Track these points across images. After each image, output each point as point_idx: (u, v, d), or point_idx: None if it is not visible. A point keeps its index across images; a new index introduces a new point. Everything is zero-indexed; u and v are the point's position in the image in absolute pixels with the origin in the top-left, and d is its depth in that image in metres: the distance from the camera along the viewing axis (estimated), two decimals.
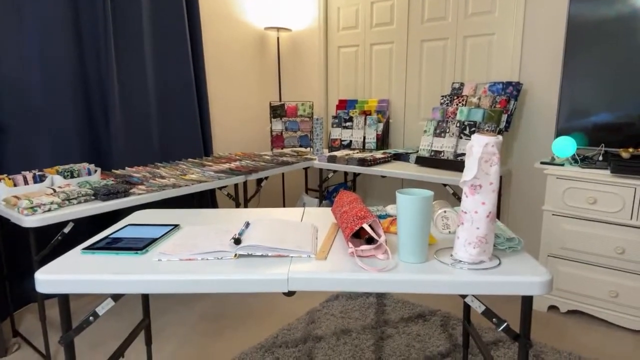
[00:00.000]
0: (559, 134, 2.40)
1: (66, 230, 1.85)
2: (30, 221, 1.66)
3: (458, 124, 2.61)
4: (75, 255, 1.13)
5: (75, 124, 2.48)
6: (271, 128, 3.49)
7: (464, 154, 2.55)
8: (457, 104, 2.77)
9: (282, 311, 2.34)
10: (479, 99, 2.68)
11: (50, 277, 1.01)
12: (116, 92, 2.61)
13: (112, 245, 1.19)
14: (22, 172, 2.00)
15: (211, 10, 3.29)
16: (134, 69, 2.73)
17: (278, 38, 3.78)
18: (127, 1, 2.65)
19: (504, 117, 2.55)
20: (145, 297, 1.63)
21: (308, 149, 3.48)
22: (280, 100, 3.91)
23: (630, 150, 2.06)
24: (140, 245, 1.17)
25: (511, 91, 2.60)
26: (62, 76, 2.41)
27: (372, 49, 3.39)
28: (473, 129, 2.54)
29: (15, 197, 1.79)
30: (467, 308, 1.61)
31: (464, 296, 1.05)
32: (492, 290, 0.98)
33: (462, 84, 2.84)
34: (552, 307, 2.35)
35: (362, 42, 3.43)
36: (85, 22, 2.48)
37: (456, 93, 2.84)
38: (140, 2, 2.71)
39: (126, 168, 2.62)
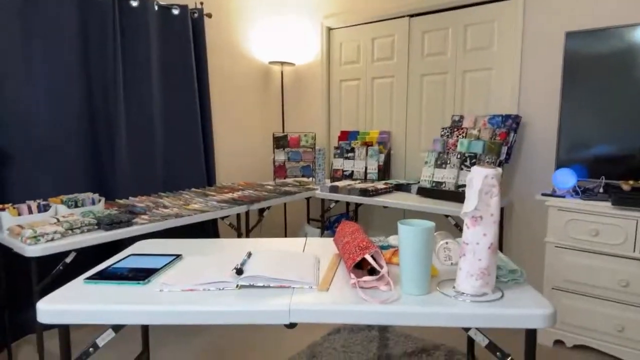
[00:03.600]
0: (559, 166, 2.43)
1: (68, 260, 1.85)
2: (32, 250, 1.67)
3: (459, 156, 2.64)
4: (77, 285, 1.13)
5: (81, 154, 2.52)
6: (274, 158, 3.53)
7: (465, 185, 2.56)
8: (457, 136, 2.81)
9: (283, 344, 2.30)
10: (479, 131, 2.72)
11: (52, 307, 1.01)
12: (122, 122, 2.66)
13: (115, 275, 1.19)
14: (27, 202, 2.02)
15: (217, 45, 3.40)
16: (140, 100, 2.80)
17: (282, 72, 3.88)
18: (135, 35, 2.74)
19: (504, 149, 2.58)
20: (145, 329, 1.61)
21: (310, 179, 3.50)
22: (283, 131, 3.98)
23: (631, 182, 2.07)
24: (142, 276, 1.18)
25: (510, 124, 2.64)
26: (68, 107, 2.46)
27: (374, 82, 3.47)
28: (474, 160, 2.57)
29: (19, 226, 1.80)
30: (471, 342, 1.59)
31: (467, 329, 1.04)
32: (495, 323, 0.97)
33: (462, 117, 2.89)
34: (558, 342, 2.30)
35: (364, 75, 3.51)
36: (93, 54, 2.56)
37: (456, 125, 2.89)
38: (148, 37, 2.80)
39: (130, 198, 2.64)
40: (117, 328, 1.07)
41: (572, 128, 2.39)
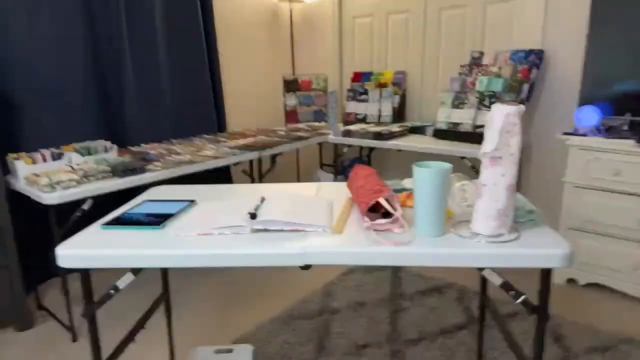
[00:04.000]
0: (582, 103, 2.32)
1: (85, 207, 1.89)
2: (50, 198, 1.70)
3: (477, 95, 2.53)
4: (95, 231, 1.15)
5: (90, 101, 2.49)
6: (285, 103, 3.45)
7: (482, 126, 2.48)
8: (476, 74, 2.68)
9: (299, 285, 2.37)
10: (500, 68, 2.59)
11: (71, 252, 1.03)
12: (129, 68, 2.60)
13: (131, 220, 1.20)
14: (40, 150, 2.03)
15: None
16: (146, 45, 2.71)
17: (291, 10, 3.70)
18: None
19: (526, 86, 2.47)
20: (164, 271, 1.66)
21: (322, 123, 3.44)
22: (293, 73, 3.86)
23: None
24: (158, 221, 1.19)
25: (533, 59, 2.50)
26: (76, 54, 2.40)
27: (388, 18, 3.28)
28: (493, 99, 2.47)
29: (35, 174, 1.82)
30: (483, 281, 1.60)
31: (481, 269, 1.04)
32: (512, 263, 0.96)
33: (481, 53, 2.74)
34: (571, 280, 2.33)
35: (378, 11, 3.32)
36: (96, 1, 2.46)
37: (475, 62, 2.75)
38: None
39: (142, 145, 2.63)
40: (136, 271, 1.09)
41: (598, 63, 2.25)
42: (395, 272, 2.47)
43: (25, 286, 2.10)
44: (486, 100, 2.49)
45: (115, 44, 2.54)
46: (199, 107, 3.07)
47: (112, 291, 1.08)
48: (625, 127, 2.18)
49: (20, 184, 1.87)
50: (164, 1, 2.80)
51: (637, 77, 2.16)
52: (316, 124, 3.44)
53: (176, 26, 2.88)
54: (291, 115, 3.47)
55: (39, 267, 2.38)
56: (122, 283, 1.08)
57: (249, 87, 3.58)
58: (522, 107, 0.97)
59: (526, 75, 2.48)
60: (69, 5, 2.34)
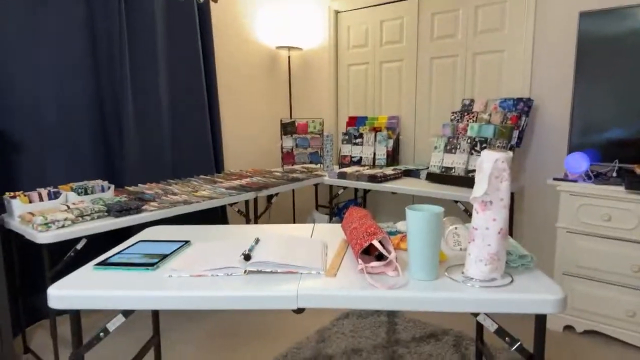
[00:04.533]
0: (571, 150, 2.38)
1: (79, 246, 1.87)
2: (44, 237, 1.69)
3: (469, 140, 2.60)
4: (87, 271, 1.15)
5: (90, 142, 2.53)
6: (282, 145, 3.52)
7: (474, 170, 2.53)
8: (467, 120, 2.76)
9: (292, 329, 2.32)
10: (490, 115, 2.68)
11: (63, 293, 1.02)
12: (130, 109, 2.66)
13: (124, 261, 1.20)
14: (37, 189, 2.04)
15: (224, 30, 3.37)
16: (147, 87, 2.79)
17: (289, 57, 3.84)
18: (141, 21, 2.73)
19: (515, 133, 2.54)
20: (156, 313, 1.63)
21: (318, 165, 3.49)
22: (290, 117, 3.95)
23: None
24: (151, 262, 1.18)
25: (522, 107, 2.59)
26: (76, 94, 2.47)
27: (382, 66, 3.42)
28: (484, 145, 2.53)
29: (30, 213, 1.82)
30: (479, 327, 1.58)
31: (476, 314, 1.03)
32: (504, 308, 0.96)
33: (472, 101, 2.84)
34: (568, 327, 2.29)
35: (372, 59, 3.46)
36: (100, 41, 2.55)
37: (466, 109, 2.84)
38: (154, 22, 2.78)
39: (139, 185, 2.65)
40: (127, 313, 1.08)
41: (585, 111, 2.33)
42: (391, 317, 2.43)
43: (12, 328, 2.04)
44: (478, 145, 2.56)
45: (117, 86, 2.62)
46: (197, 149, 3.12)
47: (101, 334, 1.06)
48: (614, 174, 2.23)
49: (15, 223, 1.87)
50: (167, 46, 2.91)
51: (622, 125, 2.24)
52: (312, 165, 3.48)
53: (178, 70, 2.98)
54: (288, 157, 3.52)
55: (28, 309, 2.32)
56: (112, 325, 1.07)
57: (247, 129, 3.65)
58: (510, 153, 1.00)
59: (516, 122, 2.56)
60: (72, 46, 2.43)
